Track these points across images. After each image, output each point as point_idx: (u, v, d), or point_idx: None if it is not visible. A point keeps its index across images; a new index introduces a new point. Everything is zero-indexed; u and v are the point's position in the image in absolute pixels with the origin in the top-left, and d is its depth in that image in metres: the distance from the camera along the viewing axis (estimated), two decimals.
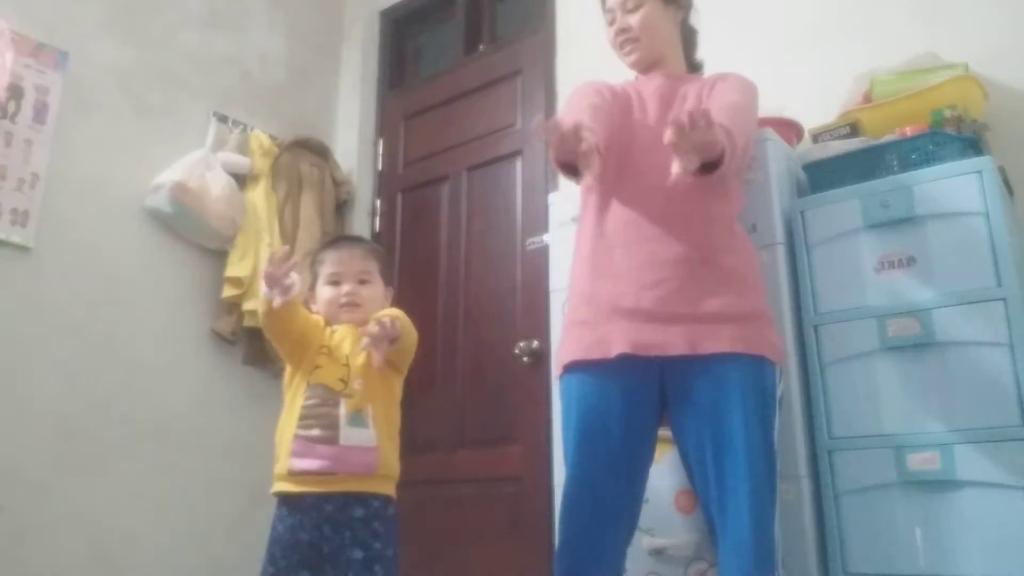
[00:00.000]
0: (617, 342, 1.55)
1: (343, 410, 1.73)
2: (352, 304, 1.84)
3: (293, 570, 1.68)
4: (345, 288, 1.85)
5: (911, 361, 1.66)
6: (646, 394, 1.58)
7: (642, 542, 1.85)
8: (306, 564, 1.68)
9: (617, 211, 1.66)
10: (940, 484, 1.58)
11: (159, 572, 2.71)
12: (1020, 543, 1.48)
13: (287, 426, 1.76)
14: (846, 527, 1.67)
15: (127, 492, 2.69)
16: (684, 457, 1.60)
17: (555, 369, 1.72)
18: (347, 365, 1.78)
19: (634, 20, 1.78)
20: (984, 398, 1.56)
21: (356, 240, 2.07)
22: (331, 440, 1.71)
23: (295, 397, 1.79)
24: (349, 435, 1.72)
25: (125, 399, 2.75)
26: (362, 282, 1.87)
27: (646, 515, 1.85)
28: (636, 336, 1.55)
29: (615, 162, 1.66)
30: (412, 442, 3.03)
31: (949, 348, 1.62)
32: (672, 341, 1.54)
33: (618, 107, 1.74)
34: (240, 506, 2.88)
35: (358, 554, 1.68)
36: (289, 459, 1.72)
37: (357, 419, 1.74)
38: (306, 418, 1.74)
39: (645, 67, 1.83)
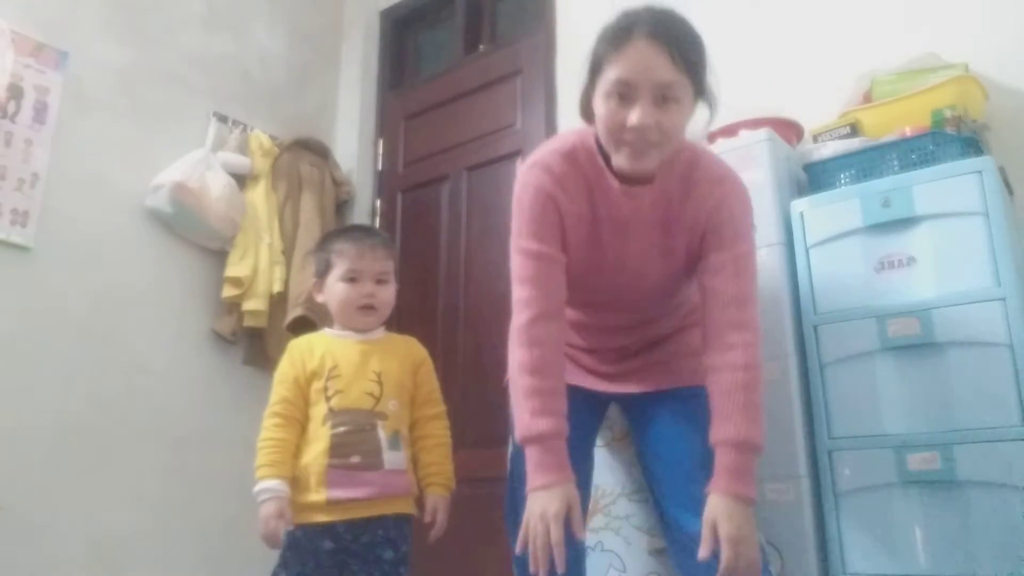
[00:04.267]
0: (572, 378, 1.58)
1: (382, 433, 1.69)
2: (369, 307, 1.78)
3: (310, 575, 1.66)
4: (365, 289, 1.77)
5: (911, 361, 1.66)
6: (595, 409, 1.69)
7: (642, 542, 1.85)
8: (323, 569, 1.66)
9: (588, 316, 1.64)
10: (940, 484, 1.58)
11: (159, 572, 2.71)
12: (1020, 543, 1.48)
13: (314, 458, 1.67)
14: (846, 527, 1.66)
15: (127, 492, 2.69)
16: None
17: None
18: (379, 382, 1.73)
19: (666, 119, 1.34)
20: (984, 398, 1.56)
21: (372, 232, 1.93)
22: (375, 466, 1.67)
23: (317, 428, 1.69)
24: (391, 459, 1.69)
25: (125, 399, 2.74)
26: (379, 282, 1.80)
27: (646, 515, 1.86)
28: (590, 384, 1.65)
29: (581, 287, 1.55)
30: None
31: (949, 348, 1.62)
32: (620, 390, 1.66)
33: (578, 233, 1.48)
34: (240, 506, 2.87)
35: (389, 554, 1.69)
36: (326, 490, 1.65)
37: (395, 442, 1.71)
38: (341, 446, 1.66)
39: (640, 175, 1.44)
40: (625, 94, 1.34)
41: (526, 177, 1.48)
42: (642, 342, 1.67)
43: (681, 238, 1.49)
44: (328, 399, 1.70)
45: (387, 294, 1.81)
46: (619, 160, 1.39)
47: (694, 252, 1.49)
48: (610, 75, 1.35)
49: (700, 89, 1.39)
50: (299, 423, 1.71)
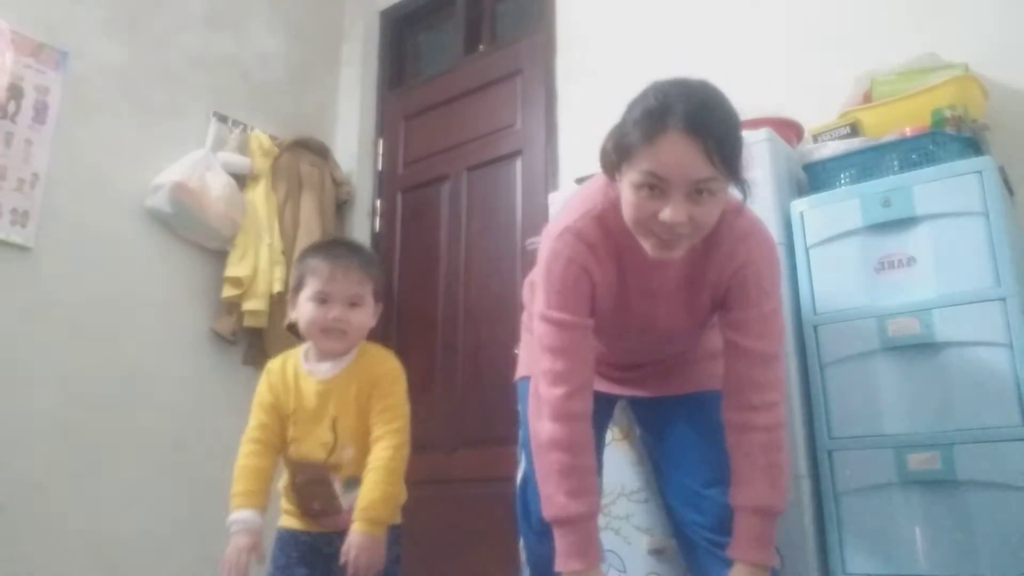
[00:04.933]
0: None
1: (337, 485, 1.66)
2: (337, 331, 1.66)
3: (291, 568, 1.69)
4: (332, 313, 1.65)
5: (911, 361, 1.66)
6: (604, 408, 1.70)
7: (642, 542, 1.85)
8: (304, 561, 1.69)
9: (610, 348, 1.63)
10: (940, 484, 1.58)
11: (159, 572, 2.71)
12: (1020, 543, 1.48)
13: (285, 486, 1.72)
14: (846, 527, 1.67)
15: (127, 492, 2.69)
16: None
17: (520, 371, 1.76)
18: (333, 430, 1.66)
19: (700, 212, 1.27)
20: (984, 398, 1.56)
21: (352, 251, 1.75)
22: (334, 510, 1.67)
23: (283, 468, 1.72)
24: (349, 499, 1.66)
25: (125, 399, 2.75)
26: (352, 305, 1.68)
27: (646, 515, 1.86)
28: (604, 388, 1.64)
29: (606, 335, 1.56)
30: (412, 442, 3.03)
31: (949, 348, 1.62)
32: (633, 393, 1.69)
33: (607, 299, 1.46)
34: None
35: None
36: (299, 511, 1.70)
37: (352, 484, 1.67)
38: (300, 494, 1.68)
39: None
40: (656, 186, 1.25)
41: (557, 245, 1.40)
42: (659, 357, 1.68)
43: (705, 292, 1.46)
44: (288, 445, 1.70)
45: (359, 318, 1.68)
46: (645, 246, 1.33)
47: (719, 301, 1.47)
48: (641, 165, 1.25)
49: (736, 178, 1.31)
50: (276, 448, 1.71)
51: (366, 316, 1.71)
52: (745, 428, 1.40)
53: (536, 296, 1.47)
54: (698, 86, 1.29)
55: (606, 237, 1.40)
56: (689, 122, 1.22)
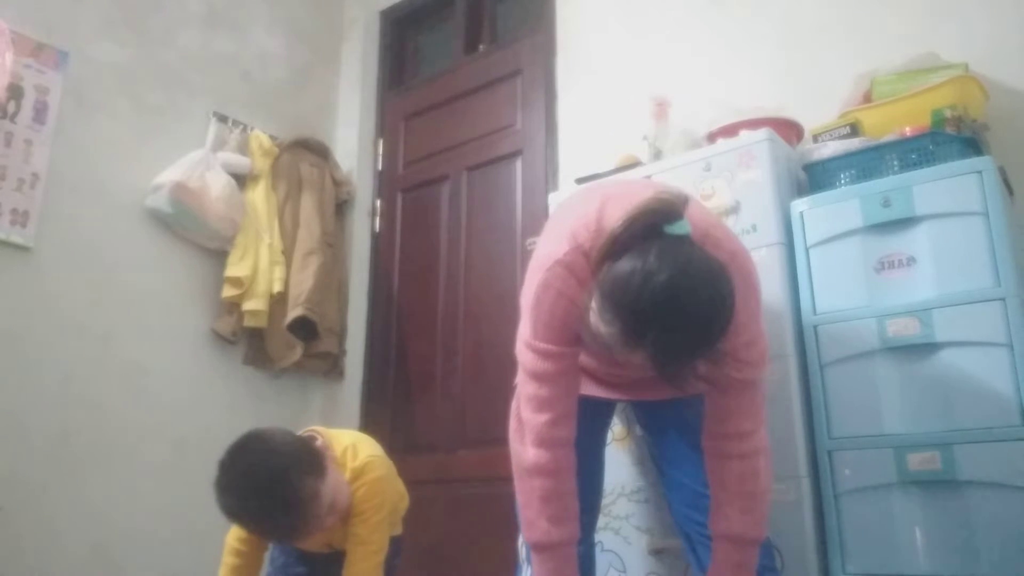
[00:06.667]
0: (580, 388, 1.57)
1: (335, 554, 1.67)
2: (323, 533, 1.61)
3: (290, 566, 1.75)
4: (315, 545, 1.68)
5: (911, 361, 1.66)
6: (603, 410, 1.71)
7: (642, 542, 1.85)
8: (303, 561, 1.74)
9: (603, 366, 1.62)
10: (940, 484, 1.58)
11: (159, 572, 2.71)
12: (1020, 543, 1.48)
13: None
14: (846, 527, 1.67)
15: (127, 492, 2.69)
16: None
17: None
18: (330, 544, 1.70)
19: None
20: (984, 398, 1.56)
21: (260, 520, 1.53)
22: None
23: None
24: None
25: (125, 399, 2.74)
26: (331, 519, 1.58)
27: (646, 515, 1.86)
28: (602, 394, 1.64)
29: (596, 359, 1.56)
30: (412, 442, 3.04)
31: (949, 348, 1.62)
32: (630, 397, 1.68)
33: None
34: None
35: None
36: None
37: None
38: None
39: None
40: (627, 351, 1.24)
41: (547, 277, 1.38)
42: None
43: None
44: None
45: (337, 509, 1.59)
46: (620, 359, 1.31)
47: None
48: (611, 343, 1.23)
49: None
50: (259, 559, 1.71)
51: (340, 500, 1.59)
52: (720, 456, 1.41)
53: (522, 324, 1.45)
54: (688, 291, 1.17)
55: (593, 276, 1.37)
56: (661, 352, 1.19)
